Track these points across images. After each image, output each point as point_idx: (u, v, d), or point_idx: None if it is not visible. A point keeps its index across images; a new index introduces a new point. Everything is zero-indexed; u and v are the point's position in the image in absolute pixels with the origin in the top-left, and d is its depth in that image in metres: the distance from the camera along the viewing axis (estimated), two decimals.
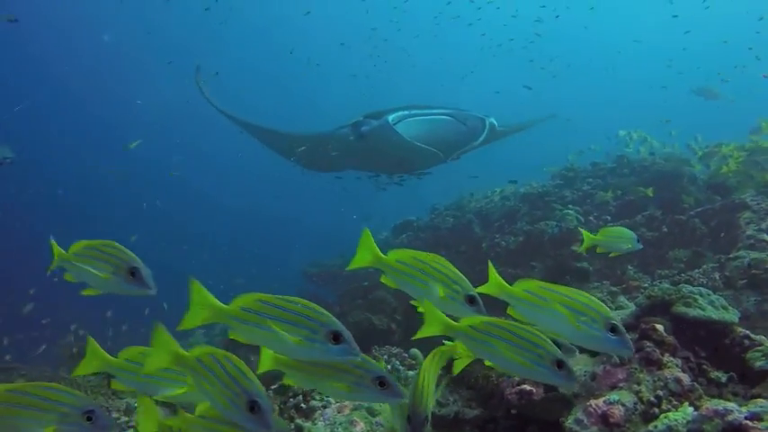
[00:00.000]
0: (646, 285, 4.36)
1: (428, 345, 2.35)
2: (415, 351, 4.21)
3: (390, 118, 6.24)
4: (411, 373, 3.86)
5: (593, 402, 2.36)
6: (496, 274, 1.96)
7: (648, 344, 2.60)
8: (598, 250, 3.72)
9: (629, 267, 5.48)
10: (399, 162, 7.30)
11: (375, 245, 2.02)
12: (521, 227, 6.66)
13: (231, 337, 1.75)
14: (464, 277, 1.99)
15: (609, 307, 2.55)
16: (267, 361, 1.90)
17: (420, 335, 1.96)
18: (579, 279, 5.15)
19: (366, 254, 2.00)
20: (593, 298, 1.84)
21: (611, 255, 3.78)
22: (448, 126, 6.43)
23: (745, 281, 4.11)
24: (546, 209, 7.13)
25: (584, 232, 3.61)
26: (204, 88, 8.16)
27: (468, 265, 6.45)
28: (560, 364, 1.74)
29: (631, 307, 3.38)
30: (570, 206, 7.09)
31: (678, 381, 2.42)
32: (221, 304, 1.74)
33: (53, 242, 2.19)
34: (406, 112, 6.36)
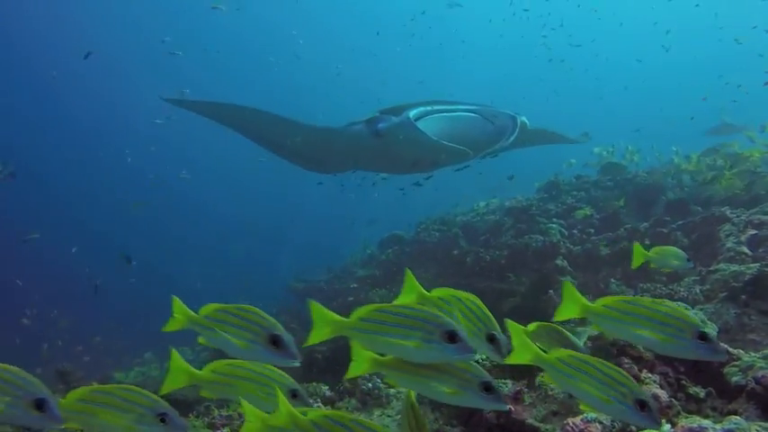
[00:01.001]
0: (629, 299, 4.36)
1: None
2: None
3: (412, 114, 5.74)
4: (392, 391, 3.84)
5: (570, 420, 2.35)
6: (577, 293, 1.94)
7: (626, 360, 2.60)
8: (651, 266, 3.92)
9: (612, 281, 5.50)
10: (417, 162, 6.71)
11: (417, 284, 2.02)
12: (505, 241, 6.68)
13: (354, 347, 1.88)
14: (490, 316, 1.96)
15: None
16: (364, 363, 1.94)
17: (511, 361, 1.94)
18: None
19: (411, 294, 2.02)
20: (676, 307, 1.83)
21: (662, 270, 4.21)
22: (474, 124, 5.93)
23: (725, 293, 4.13)
24: (530, 222, 7.15)
25: (636, 248, 3.72)
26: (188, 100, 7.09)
27: (454, 279, 6.49)
28: (642, 405, 1.71)
29: None
30: (555, 219, 7.13)
31: (656, 397, 2.41)
32: (342, 318, 1.89)
33: (177, 300, 1.99)
34: (428, 108, 5.85)
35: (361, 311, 1.88)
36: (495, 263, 6.15)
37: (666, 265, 3.86)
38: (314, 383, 4.23)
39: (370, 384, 3.70)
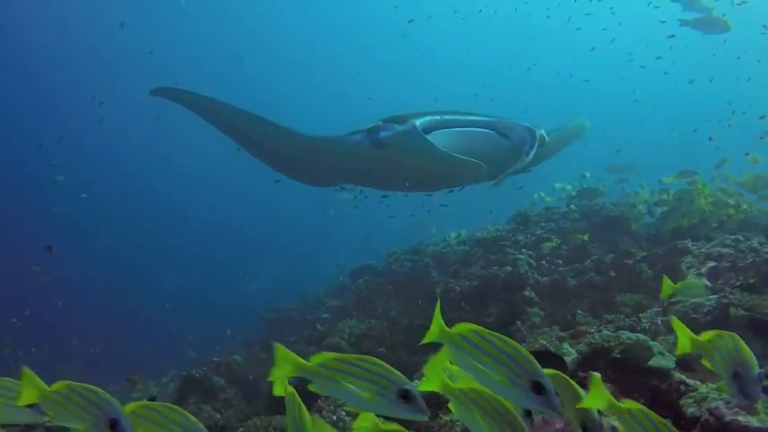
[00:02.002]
0: (592, 330, 4.42)
1: None
2: None
3: (418, 123, 5.20)
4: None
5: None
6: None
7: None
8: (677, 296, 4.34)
9: (579, 312, 5.56)
10: (423, 178, 6.14)
11: (441, 319, 1.93)
12: (475, 271, 6.73)
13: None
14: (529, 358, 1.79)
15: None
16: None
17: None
18: (530, 325, 5.20)
19: (435, 328, 1.93)
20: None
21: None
22: (487, 141, 5.39)
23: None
24: (500, 253, 7.23)
25: (665, 281, 4.11)
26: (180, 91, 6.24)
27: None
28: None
29: (574, 354, 3.43)
30: (524, 250, 7.22)
31: (614, 429, 2.44)
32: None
33: (281, 347, 1.96)
34: (437, 118, 5.32)
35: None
36: (464, 293, 6.18)
37: (689, 296, 4.31)
38: (278, 416, 4.18)
39: (334, 417, 3.68)
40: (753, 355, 1.91)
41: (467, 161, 5.18)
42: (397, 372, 1.85)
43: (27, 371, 1.93)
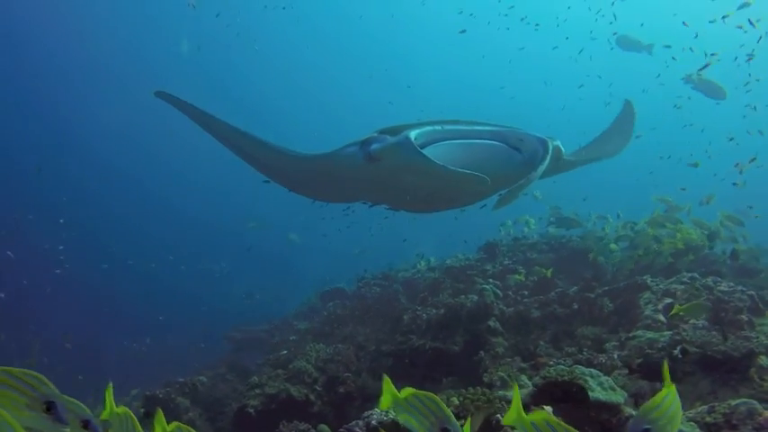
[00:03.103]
0: (551, 363, 4.55)
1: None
2: (323, 427, 4.20)
3: (413, 134, 4.68)
4: None
5: None
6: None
7: None
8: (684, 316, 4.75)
9: (541, 343, 5.69)
10: (424, 194, 5.62)
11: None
12: (442, 299, 6.84)
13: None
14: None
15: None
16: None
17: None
18: (493, 355, 5.30)
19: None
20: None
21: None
22: (496, 154, 4.86)
23: (641, 360, 4.37)
24: (468, 282, 7.37)
25: (677, 306, 4.68)
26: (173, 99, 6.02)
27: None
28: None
29: (530, 386, 3.54)
30: (491, 280, 7.36)
31: None
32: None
33: (388, 380, 2.22)
34: (437, 129, 4.80)
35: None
36: (431, 321, 6.27)
37: (694, 316, 4.74)
38: None
39: None
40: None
41: (467, 174, 4.62)
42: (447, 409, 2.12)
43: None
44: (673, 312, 4.67)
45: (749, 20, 11.12)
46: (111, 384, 2.25)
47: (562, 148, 5.27)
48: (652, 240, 7.25)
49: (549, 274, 6.92)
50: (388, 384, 2.24)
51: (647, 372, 4.10)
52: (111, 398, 2.23)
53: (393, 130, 4.92)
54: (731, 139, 10.37)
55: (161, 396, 6.35)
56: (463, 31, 17.18)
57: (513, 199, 5.18)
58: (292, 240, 21.90)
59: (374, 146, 4.97)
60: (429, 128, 4.80)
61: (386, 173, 5.19)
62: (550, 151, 4.91)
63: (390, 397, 2.24)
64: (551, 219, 9.34)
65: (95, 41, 29.43)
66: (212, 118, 5.92)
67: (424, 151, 4.67)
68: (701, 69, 10.65)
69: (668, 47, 13.01)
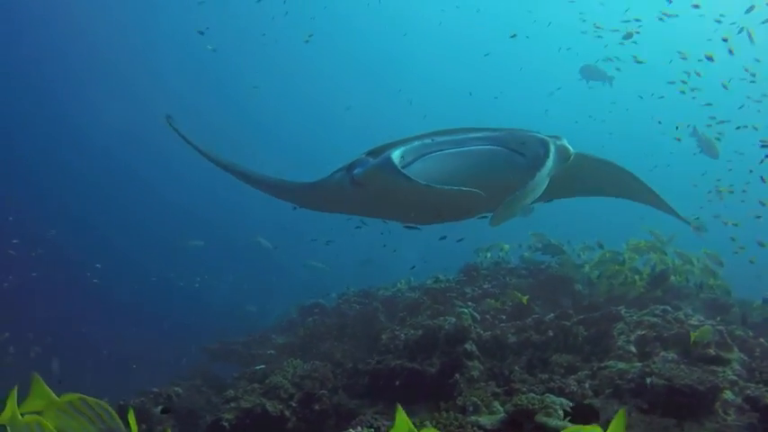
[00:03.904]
0: (524, 389, 4.64)
1: None
2: None
3: (396, 154, 4.29)
4: None
5: None
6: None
7: None
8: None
9: (516, 368, 5.78)
10: (430, 210, 5.10)
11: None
12: (421, 320, 6.91)
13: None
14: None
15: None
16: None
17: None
18: (468, 378, 5.38)
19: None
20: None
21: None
22: (494, 161, 4.40)
23: (611, 390, 4.48)
24: (447, 304, 7.45)
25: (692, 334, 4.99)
26: (181, 131, 6.06)
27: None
28: None
29: (502, 413, 3.62)
30: (470, 303, 7.46)
31: None
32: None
33: (401, 412, 1.89)
34: (428, 141, 4.39)
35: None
36: (408, 341, 6.34)
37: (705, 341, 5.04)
38: None
39: None
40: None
41: (456, 191, 4.17)
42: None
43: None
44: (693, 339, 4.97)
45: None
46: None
47: (570, 148, 4.66)
48: (629, 271, 7.42)
49: (524, 301, 7.02)
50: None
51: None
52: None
53: (377, 151, 4.58)
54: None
55: (135, 406, 6.32)
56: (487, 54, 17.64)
57: (512, 212, 4.58)
58: (262, 244, 21.64)
59: (357, 170, 4.67)
60: (418, 142, 4.41)
61: (376, 196, 4.83)
62: (551, 153, 4.37)
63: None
64: (538, 245, 9.50)
65: (101, 35, 29.79)
66: (203, 153, 5.92)
67: (415, 166, 4.33)
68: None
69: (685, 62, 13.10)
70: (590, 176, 5.62)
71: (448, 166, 4.34)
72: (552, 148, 4.42)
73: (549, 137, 4.54)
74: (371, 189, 4.73)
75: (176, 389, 7.05)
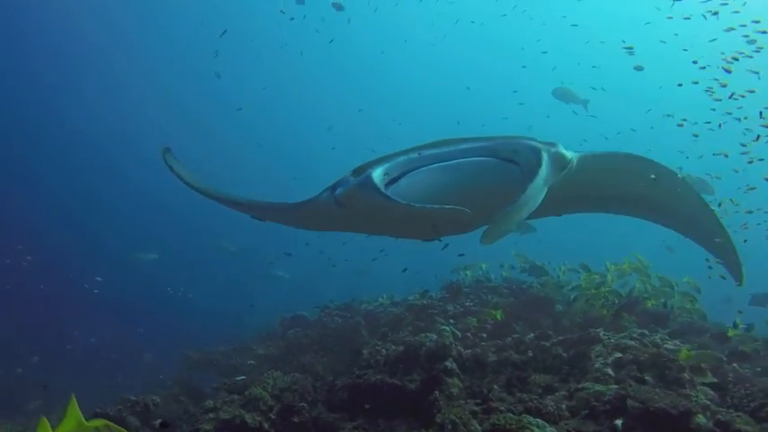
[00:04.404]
0: (502, 408, 4.70)
1: None
2: None
3: (377, 173, 4.11)
4: None
5: None
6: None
7: None
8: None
9: (495, 387, 5.84)
10: (422, 228, 4.80)
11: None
12: (403, 336, 6.96)
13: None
14: None
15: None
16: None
17: None
18: (448, 395, 5.42)
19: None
20: None
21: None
22: (485, 173, 4.13)
23: (587, 411, 4.56)
24: (429, 321, 7.52)
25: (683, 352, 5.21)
26: (176, 167, 5.94)
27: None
28: None
29: None
30: (452, 320, 7.53)
31: None
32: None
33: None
34: (413, 156, 4.14)
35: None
36: (390, 357, 6.38)
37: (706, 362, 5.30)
38: None
39: None
40: None
41: (439, 210, 3.93)
42: None
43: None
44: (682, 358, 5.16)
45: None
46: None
47: (566, 155, 4.36)
48: (608, 293, 7.54)
49: (498, 316, 7.10)
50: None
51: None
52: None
53: (362, 169, 4.32)
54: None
55: (112, 414, 6.28)
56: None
57: (504, 229, 4.25)
58: (225, 248, 21.34)
59: (338, 191, 4.48)
60: (403, 158, 4.17)
61: (362, 215, 4.62)
62: (544, 162, 4.04)
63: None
64: (525, 266, 9.62)
65: (98, 33, 30.02)
66: (190, 185, 5.79)
67: (401, 183, 4.15)
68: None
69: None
70: (603, 180, 5.10)
71: (436, 182, 4.11)
72: (545, 157, 4.10)
73: (543, 143, 4.23)
74: (353, 209, 4.53)
75: (154, 398, 7.00)
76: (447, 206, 3.91)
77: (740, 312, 8.57)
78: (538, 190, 4.13)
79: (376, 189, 4.01)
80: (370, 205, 4.23)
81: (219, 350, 10.13)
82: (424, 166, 4.13)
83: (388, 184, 4.15)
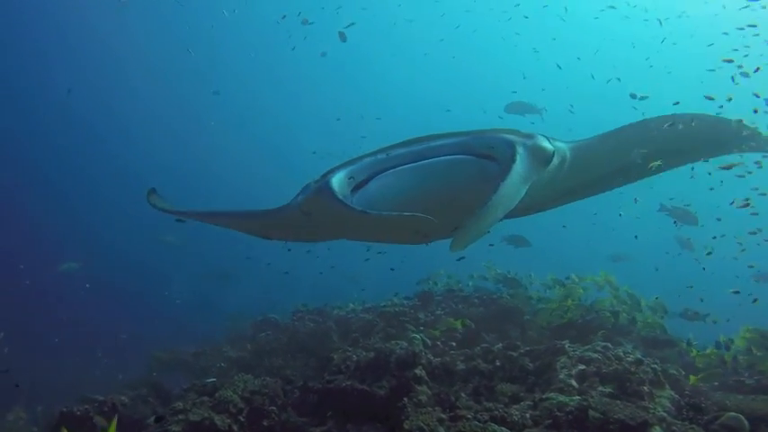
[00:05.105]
0: (469, 416, 4.83)
1: None
2: None
3: (336, 178, 3.81)
4: None
5: None
6: None
7: None
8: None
9: (463, 395, 5.97)
10: (405, 234, 4.52)
11: None
12: (373, 343, 7.06)
13: None
14: None
15: None
16: None
17: None
18: (416, 403, 5.52)
19: None
20: None
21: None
22: (459, 172, 3.79)
23: (550, 421, 4.70)
24: (400, 328, 7.63)
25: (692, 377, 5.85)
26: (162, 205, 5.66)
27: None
28: None
29: None
30: (422, 328, 7.65)
31: None
32: None
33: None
34: (381, 157, 3.82)
35: None
36: (360, 363, 6.47)
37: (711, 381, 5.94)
38: None
39: None
40: None
41: (401, 217, 3.60)
42: None
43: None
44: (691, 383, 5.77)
45: None
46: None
47: (547, 147, 3.90)
48: (573, 307, 7.76)
49: (458, 325, 7.25)
50: None
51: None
52: None
53: (328, 173, 3.96)
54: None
55: (78, 414, 6.25)
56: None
57: (475, 234, 3.66)
58: (168, 242, 20.95)
59: (300, 197, 4.20)
60: (370, 159, 3.85)
61: (329, 222, 4.30)
62: (518, 157, 3.63)
63: None
64: (499, 277, 9.79)
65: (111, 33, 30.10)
66: (168, 211, 5.56)
67: (369, 187, 3.84)
68: None
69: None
70: (605, 161, 4.71)
71: (407, 184, 3.78)
72: (520, 151, 3.68)
73: (520, 136, 3.83)
74: (320, 217, 4.20)
75: (122, 398, 6.98)
76: (405, 213, 3.58)
77: (701, 300, 8.93)
78: (513, 188, 3.65)
79: (332, 195, 3.69)
80: (330, 212, 3.91)
81: (189, 351, 10.08)
82: (392, 168, 3.82)
83: (355, 189, 3.87)
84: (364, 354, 6.62)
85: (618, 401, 4.82)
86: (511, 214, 4.41)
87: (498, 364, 6.45)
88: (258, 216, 4.87)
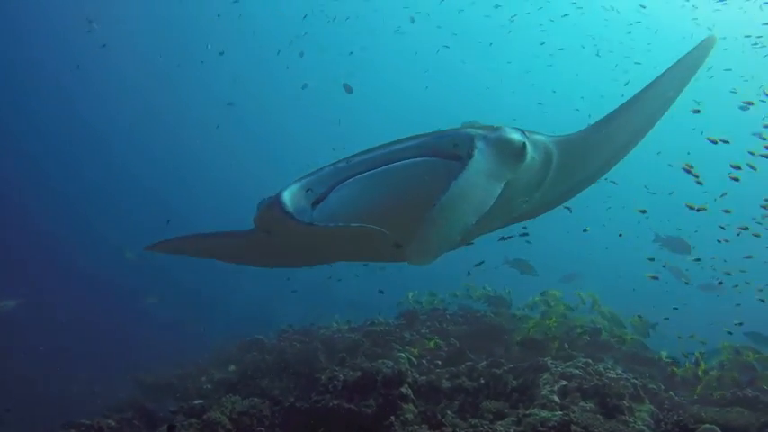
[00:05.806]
0: None
1: None
2: None
3: (290, 190, 3.51)
4: None
5: None
6: None
7: None
8: None
9: (448, 413, 6.07)
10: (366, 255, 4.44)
11: None
12: (360, 362, 7.14)
13: None
14: None
15: None
16: None
17: None
18: (403, 421, 5.62)
19: None
20: None
21: None
22: (425, 174, 3.40)
23: None
24: (386, 347, 7.73)
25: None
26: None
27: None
28: None
29: None
30: (407, 347, 7.75)
31: None
32: None
33: None
34: (341, 166, 3.52)
35: None
36: (347, 382, 6.54)
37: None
38: None
39: None
40: None
41: (342, 230, 3.36)
42: None
43: None
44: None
45: None
46: None
47: (514, 139, 3.33)
48: (554, 325, 7.93)
49: (432, 344, 7.37)
50: None
51: None
52: None
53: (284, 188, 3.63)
54: None
55: None
56: None
57: (436, 245, 3.15)
58: (128, 259, 20.68)
59: (256, 214, 3.80)
60: (329, 169, 3.55)
61: (293, 241, 3.92)
62: (476, 153, 3.19)
63: None
64: (483, 297, 9.96)
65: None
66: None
67: (330, 198, 3.52)
68: None
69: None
70: (599, 151, 4.32)
71: (369, 193, 3.46)
72: (479, 145, 3.24)
73: (482, 129, 3.42)
74: (280, 235, 3.81)
75: (109, 421, 6.96)
76: (353, 224, 3.30)
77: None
78: (472, 185, 3.14)
79: (281, 211, 3.38)
80: (285, 229, 3.57)
81: (175, 373, 10.06)
82: (352, 176, 3.49)
83: (316, 202, 3.55)
84: (351, 373, 6.69)
85: (599, 416, 4.97)
86: (512, 219, 4.20)
87: (483, 381, 6.57)
88: (223, 237, 4.50)
